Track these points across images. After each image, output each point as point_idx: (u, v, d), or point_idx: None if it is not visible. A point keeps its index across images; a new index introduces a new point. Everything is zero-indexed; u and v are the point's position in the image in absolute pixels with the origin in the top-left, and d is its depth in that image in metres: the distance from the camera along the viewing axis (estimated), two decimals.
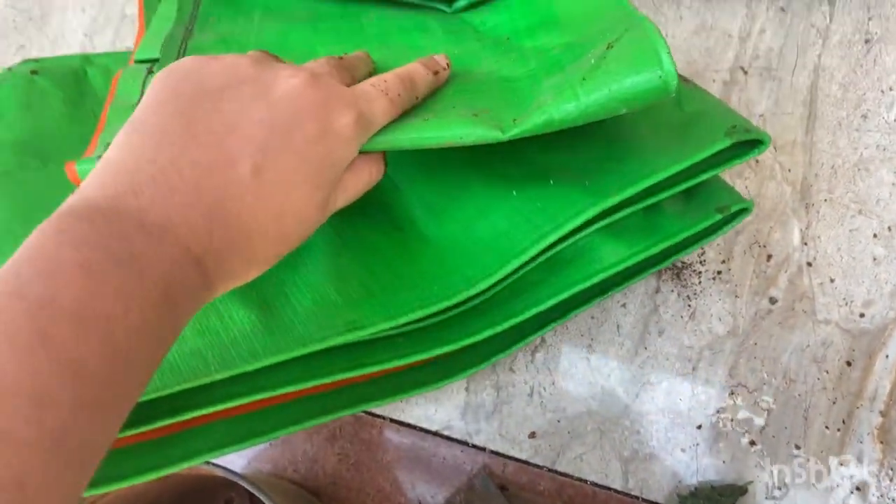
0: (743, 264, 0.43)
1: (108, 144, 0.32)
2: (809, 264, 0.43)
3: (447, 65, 0.33)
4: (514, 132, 0.28)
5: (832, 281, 0.42)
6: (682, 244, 0.37)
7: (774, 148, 0.44)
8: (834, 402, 0.41)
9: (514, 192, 0.34)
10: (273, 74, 0.27)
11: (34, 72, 0.39)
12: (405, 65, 0.32)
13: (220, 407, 0.31)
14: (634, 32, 0.27)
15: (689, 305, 0.43)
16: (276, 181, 0.26)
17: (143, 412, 0.30)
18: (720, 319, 0.42)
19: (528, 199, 0.33)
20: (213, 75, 0.27)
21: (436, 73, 0.32)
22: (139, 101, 0.35)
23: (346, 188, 0.30)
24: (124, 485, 0.30)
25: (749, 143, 0.33)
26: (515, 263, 0.32)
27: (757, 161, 0.44)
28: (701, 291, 0.43)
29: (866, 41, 0.45)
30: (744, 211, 0.37)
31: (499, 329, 0.34)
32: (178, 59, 0.37)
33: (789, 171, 0.44)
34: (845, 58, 0.45)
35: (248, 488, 0.35)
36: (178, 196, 0.24)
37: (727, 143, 0.31)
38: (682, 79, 0.38)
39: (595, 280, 0.35)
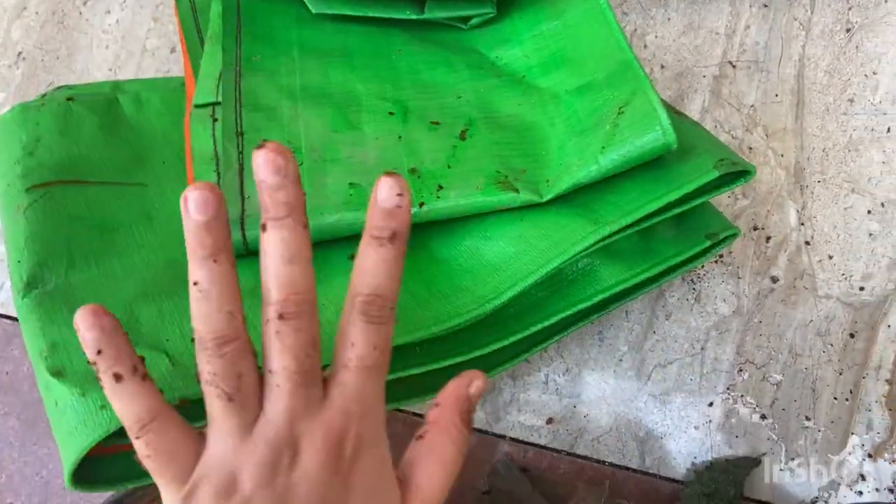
0: (743, 247, 0.45)
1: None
2: (808, 243, 0.44)
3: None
4: (549, 196, 0.35)
5: (830, 258, 0.44)
6: (676, 267, 0.40)
7: (766, 135, 0.46)
8: (840, 374, 0.42)
9: (521, 220, 0.37)
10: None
11: (70, 98, 0.42)
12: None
13: None
14: (641, 99, 0.35)
15: (694, 289, 0.45)
16: None
17: (183, 413, 0.31)
18: (724, 300, 0.44)
19: (533, 226, 0.36)
20: None
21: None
22: (213, 152, 0.38)
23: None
24: None
25: (736, 174, 0.36)
26: (523, 284, 0.34)
27: (751, 149, 0.46)
28: (704, 275, 0.45)
29: (847, 30, 0.47)
30: (731, 236, 0.40)
31: (506, 343, 0.37)
32: (236, 100, 0.40)
33: (782, 156, 0.46)
34: (828, 47, 0.47)
35: None
36: None
37: (715, 174, 0.34)
38: (675, 111, 0.40)
39: (595, 300, 0.38)
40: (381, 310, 0.27)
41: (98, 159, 0.41)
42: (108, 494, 0.40)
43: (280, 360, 0.25)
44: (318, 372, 0.26)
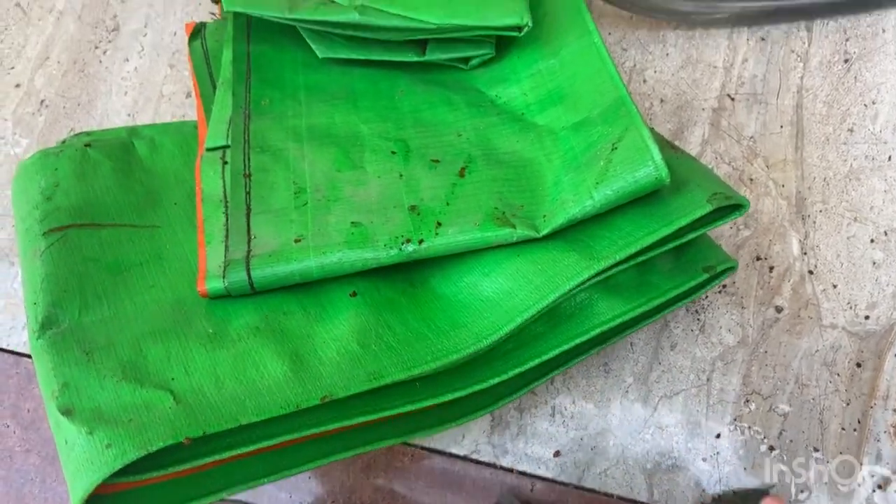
0: (747, 277, 0.45)
1: (214, 240, 0.38)
2: (811, 272, 0.44)
3: None
4: (546, 231, 0.36)
5: (835, 287, 0.44)
6: (673, 300, 0.40)
7: (767, 166, 0.47)
8: (847, 404, 0.42)
9: (518, 256, 0.37)
10: None
11: (87, 144, 0.44)
12: None
13: (254, 447, 0.33)
14: (633, 135, 0.36)
15: (699, 319, 0.45)
16: None
17: (188, 451, 0.32)
18: (729, 331, 0.44)
19: (529, 262, 0.37)
20: None
21: None
22: (223, 193, 0.40)
23: None
24: None
25: (731, 207, 0.36)
26: (519, 320, 0.35)
27: (752, 180, 0.47)
28: (708, 305, 0.45)
29: (845, 61, 0.48)
30: (729, 269, 0.40)
31: (504, 377, 0.37)
32: (245, 142, 0.42)
33: (783, 186, 0.46)
34: (827, 77, 0.48)
35: None
36: None
37: (708, 208, 0.35)
38: (670, 146, 0.41)
39: (593, 334, 0.38)
40: None
41: (112, 202, 0.42)
42: None
43: None
44: None
